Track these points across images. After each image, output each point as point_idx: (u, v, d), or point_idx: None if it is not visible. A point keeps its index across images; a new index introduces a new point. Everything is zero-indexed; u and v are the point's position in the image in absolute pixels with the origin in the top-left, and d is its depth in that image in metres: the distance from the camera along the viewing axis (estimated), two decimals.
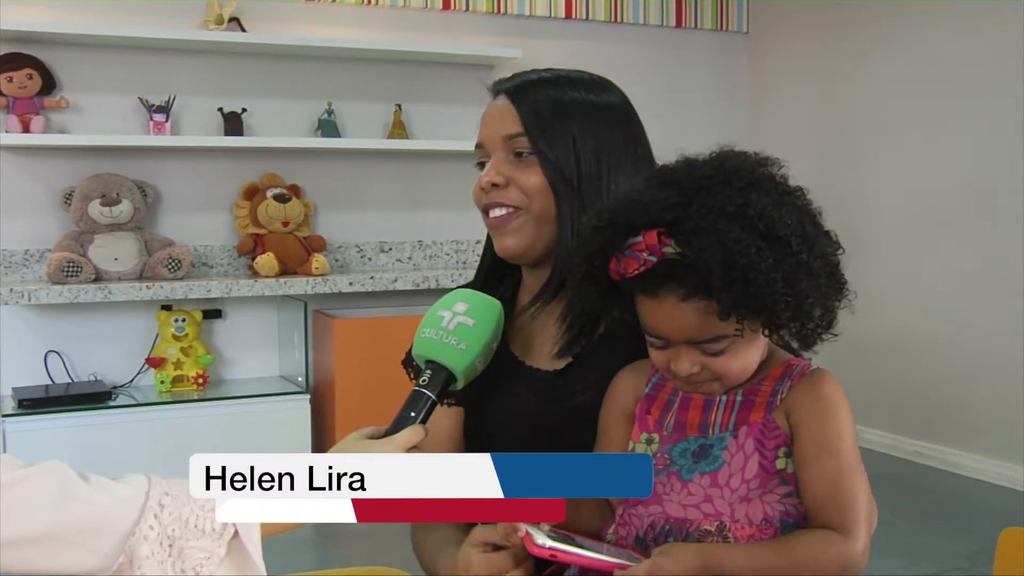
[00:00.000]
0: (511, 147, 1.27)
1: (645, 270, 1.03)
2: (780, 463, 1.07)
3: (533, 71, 1.33)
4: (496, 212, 1.29)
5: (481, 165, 1.31)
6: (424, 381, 1.17)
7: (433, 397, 1.17)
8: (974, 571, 3.14)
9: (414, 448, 1.14)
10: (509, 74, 1.35)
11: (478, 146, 1.31)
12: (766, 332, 1.05)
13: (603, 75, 1.37)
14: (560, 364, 1.30)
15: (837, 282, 1.07)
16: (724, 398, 1.11)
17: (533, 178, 1.25)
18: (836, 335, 1.08)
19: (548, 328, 1.31)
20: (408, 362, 1.36)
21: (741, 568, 1.01)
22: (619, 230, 1.04)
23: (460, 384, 1.19)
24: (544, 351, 1.32)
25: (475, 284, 1.37)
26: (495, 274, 1.37)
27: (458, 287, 1.30)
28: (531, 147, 1.25)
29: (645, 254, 1.02)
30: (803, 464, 1.05)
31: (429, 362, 1.18)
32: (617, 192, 1.23)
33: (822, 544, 1.02)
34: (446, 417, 1.36)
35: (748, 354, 1.07)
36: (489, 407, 1.33)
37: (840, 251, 1.09)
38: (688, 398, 1.13)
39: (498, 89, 1.32)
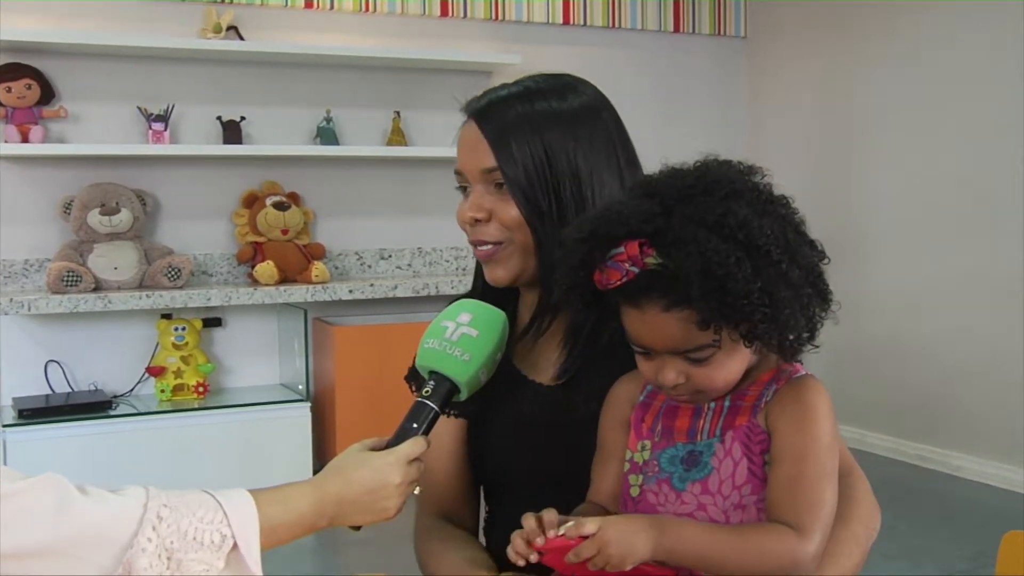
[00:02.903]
0: (490, 179, 1.25)
1: (627, 281, 1.03)
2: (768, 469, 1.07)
3: (502, 86, 1.30)
4: (482, 248, 1.28)
5: (463, 189, 1.30)
6: (427, 392, 1.16)
7: (436, 408, 1.16)
8: (976, 573, 3.13)
9: (416, 460, 1.14)
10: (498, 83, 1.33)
11: (457, 172, 1.30)
12: (747, 343, 1.04)
13: (600, 80, 1.36)
14: (562, 378, 1.29)
15: (820, 292, 1.06)
16: (713, 404, 1.11)
17: (513, 211, 1.24)
18: (817, 347, 1.07)
19: (550, 345, 1.31)
20: (411, 377, 1.34)
21: (695, 537, 1.02)
22: (601, 241, 1.04)
23: (463, 395, 1.18)
24: (546, 367, 1.31)
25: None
26: (491, 293, 1.33)
27: (458, 295, 1.29)
28: (505, 182, 1.24)
29: (627, 265, 1.03)
30: (772, 466, 1.06)
31: (432, 373, 1.17)
32: (600, 201, 1.22)
33: (776, 535, 1.02)
34: (449, 429, 1.35)
35: (731, 365, 1.07)
36: (492, 419, 1.33)
37: (825, 260, 1.08)
38: (677, 404, 1.13)
39: (468, 111, 1.29)
